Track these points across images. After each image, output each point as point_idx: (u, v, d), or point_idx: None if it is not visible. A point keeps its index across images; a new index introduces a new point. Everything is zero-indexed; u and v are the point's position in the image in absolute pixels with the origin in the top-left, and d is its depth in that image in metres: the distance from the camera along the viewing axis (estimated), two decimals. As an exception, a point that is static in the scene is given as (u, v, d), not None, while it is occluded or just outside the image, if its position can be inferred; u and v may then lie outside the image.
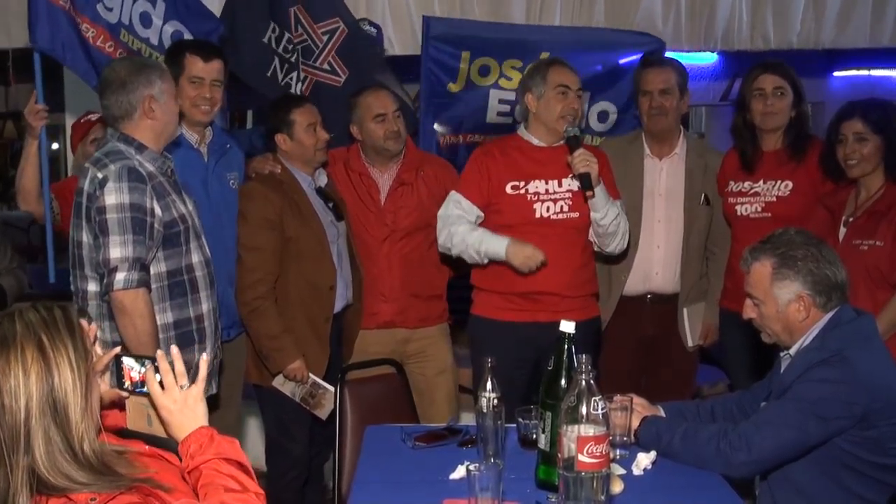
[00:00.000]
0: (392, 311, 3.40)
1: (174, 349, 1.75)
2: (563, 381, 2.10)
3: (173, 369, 1.72)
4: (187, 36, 3.61)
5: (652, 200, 3.49)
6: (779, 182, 3.30)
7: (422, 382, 3.44)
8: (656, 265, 3.50)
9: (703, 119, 9.19)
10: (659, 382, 3.52)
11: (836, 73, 7.81)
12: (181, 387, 1.71)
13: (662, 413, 2.47)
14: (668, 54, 4.03)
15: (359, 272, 3.38)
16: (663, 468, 2.24)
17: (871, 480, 2.20)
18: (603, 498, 1.81)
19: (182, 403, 1.70)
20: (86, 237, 2.65)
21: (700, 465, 2.22)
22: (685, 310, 3.53)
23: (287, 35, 3.84)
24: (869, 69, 7.69)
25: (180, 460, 1.70)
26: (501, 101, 3.94)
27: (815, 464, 2.19)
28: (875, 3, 4.48)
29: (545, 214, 3.16)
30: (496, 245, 3.11)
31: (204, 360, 1.77)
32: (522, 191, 3.17)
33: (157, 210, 2.63)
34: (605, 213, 3.13)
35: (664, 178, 3.52)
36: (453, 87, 3.93)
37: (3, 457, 1.51)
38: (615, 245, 3.24)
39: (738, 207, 3.35)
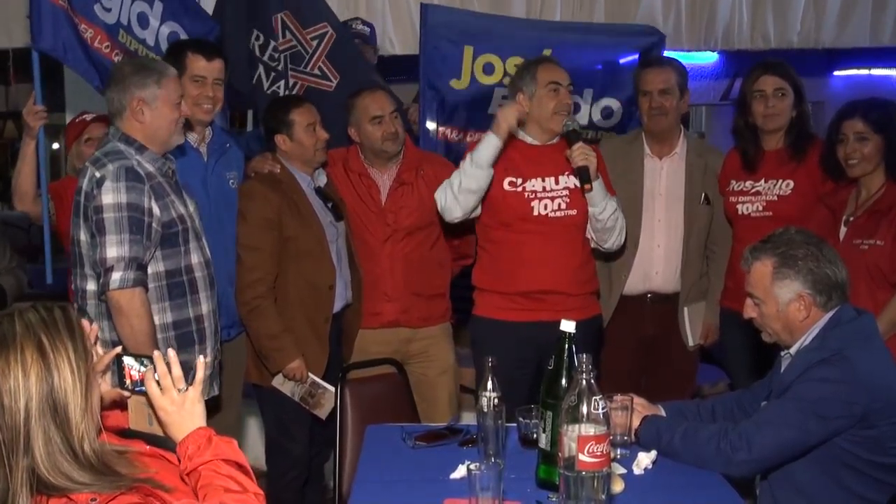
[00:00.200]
0: (396, 311, 3.40)
1: (171, 353, 1.75)
2: (563, 381, 2.10)
3: (170, 371, 1.72)
4: (183, 37, 3.61)
5: (652, 200, 3.49)
6: (780, 181, 3.30)
7: (424, 382, 3.44)
8: (656, 265, 3.50)
9: (704, 118, 9.19)
10: (659, 382, 3.52)
11: (836, 73, 7.80)
12: (179, 390, 1.71)
13: (663, 412, 2.47)
14: (668, 54, 4.03)
15: (358, 272, 3.38)
16: (664, 467, 2.24)
17: (872, 480, 2.20)
18: (603, 497, 1.81)
19: (180, 405, 1.70)
20: (84, 236, 2.65)
21: (700, 465, 2.22)
22: (685, 309, 3.53)
23: (273, 43, 3.82)
24: (869, 68, 7.69)
25: (179, 461, 1.71)
26: (506, 98, 3.92)
27: (816, 463, 2.20)
28: (875, 3, 4.48)
29: (543, 212, 3.16)
30: (480, 143, 3.09)
31: (201, 362, 1.77)
32: (520, 188, 3.17)
33: (156, 210, 2.63)
34: (604, 207, 3.13)
35: (664, 177, 3.51)
36: (457, 84, 3.92)
37: (2, 457, 1.51)
38: (613, 241, 3.24)
39: (739, 206, 3.35)
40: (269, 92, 3.87)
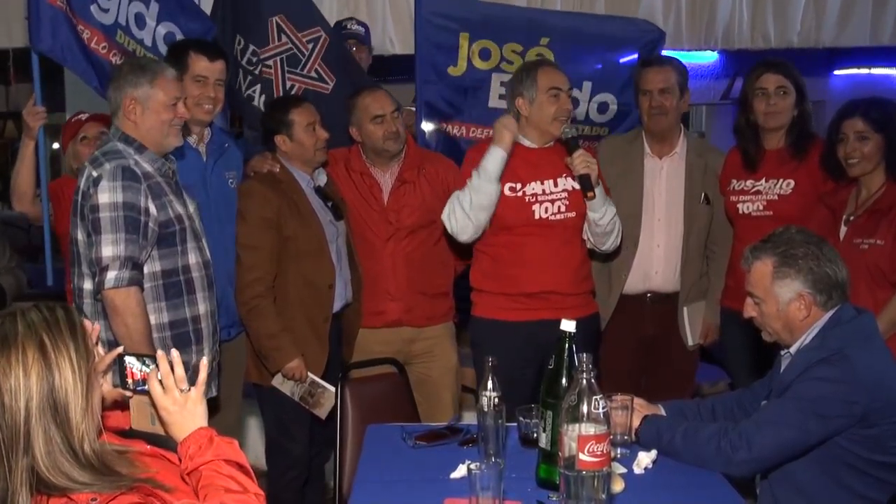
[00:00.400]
0: (399, 310, 3.40)
1: (174, 353, 1.75)
2: (563, 380, 2.11)
3: (173, 371, 1.72)
4: (180, 37, 3.61)
5: (652, 199, 3.49)
6: (781, 181, 3.30)
7: (427, 382, 3.43)
8: (656, 264, 3.50)
9: (704, 118, 9.18)
10: (659, 382, 3.52)
11: (836, 72, 7.79)
12: (181, 390, 1.71)
13: (663, 412, 2.47)
14: (668, 53, 4.03)
15: (358, 271, 3.38)
16: (664, 467, 2.24)
17: (872, 479, 2.20)
18: (604, 497, 1.81)
19: (182, 405, 1.71)
20: (81, 235, 2.66)
21: (701, 464, 2.22)
22: (685, 309, 3.53)
23: (252, 47, 3.81)
24: (869, 68, 7.68)
25: (180, 461, 1.71)
26: (504, 84, 3.86)
27: (816, 462, 2.19)
28: (875, 2, 4.49)
29: (544, 215, 3.16)
30: (484, 157, 3.09)
31: (204, 363, 1.77)
32: (520, 193, 3.17)
33: (152, 209, 2.63)
34: (604, 212, 3.14)
35: (664, 177, 3.51)
36: (454, 71, 3.90)
37: (2, 456, 1.51)
38: (610, 243, 3.24)
39: (739, 206, 3.35)
40: (245, 96, 3.87)
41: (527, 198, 3.17)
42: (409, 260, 3.39)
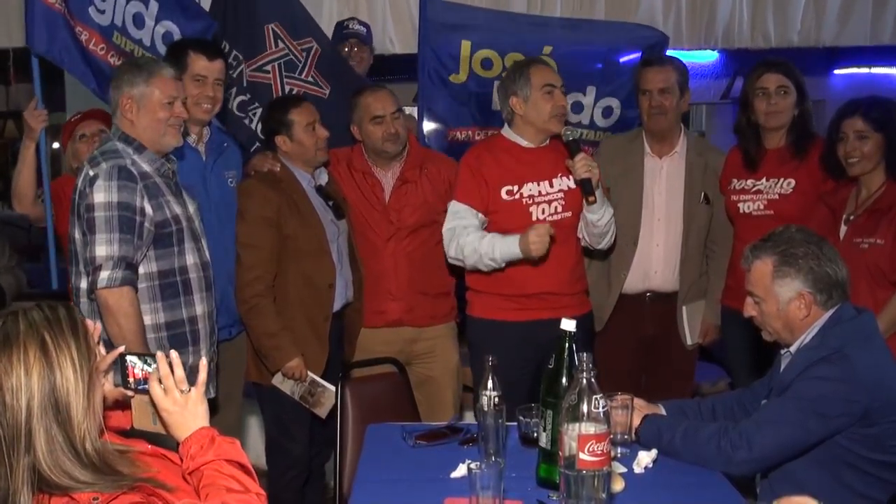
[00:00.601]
0: (400, 310, 3.40)
1: (173, 354, 1.76)
2: (564, 380, 2.11)
3: (173, 373, 1.72)
4: (178, 37, 3.61)
5: (652, 199, 3.50)
6: (781, 180, 3.30)
7: (429, 382, 3.44)
8: (655, 263, 3.50)
9: (704, 117, 9.18)
10: (658, 381, 3.52)
11: (836, 71, 7.79)
12: (181, 391, 1.71)
13: (663, 411, 2.47)
14: (668, 52, 4.03)
15: (359, 271, 3.37)
16: (664, 466, 2.24)
17: (872, 478, 2.20)
18: (604, 496, 1.81)
19: (182, 405, 1.71)
20: (77, 234, 2.66)
21: (701, 464, 2.22)
22: (684, 308, 3.53)
23: (234, 52, 3.80)
24: (869, 67, 7.67)
25: (181, 461, 1.71)
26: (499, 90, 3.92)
27: (816, 461, 2.20)
28: (875, 2, 4.49)
29: (541, 217, 3.16)
30: (509, 245, 3.05)
31: (204, 363, 1.77)
32: (517, 195, 3.16)
33: (148, 209, 2.63)
34: (602, 214, 3.14)
35: (664, 176, 3.52)
36: (455, 78, 3.92)
37: (3, 455, 1.51)
38: (606, 242, 3.25)
39: (740, 205, 3.36)
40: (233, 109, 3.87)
41: (524, 200, 3.17)
42: (411, 259, 3.39)
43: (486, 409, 2.24)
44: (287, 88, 3.85)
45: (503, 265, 3.11)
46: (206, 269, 2.83)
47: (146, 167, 2.67)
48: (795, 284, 2.25)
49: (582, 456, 1.79)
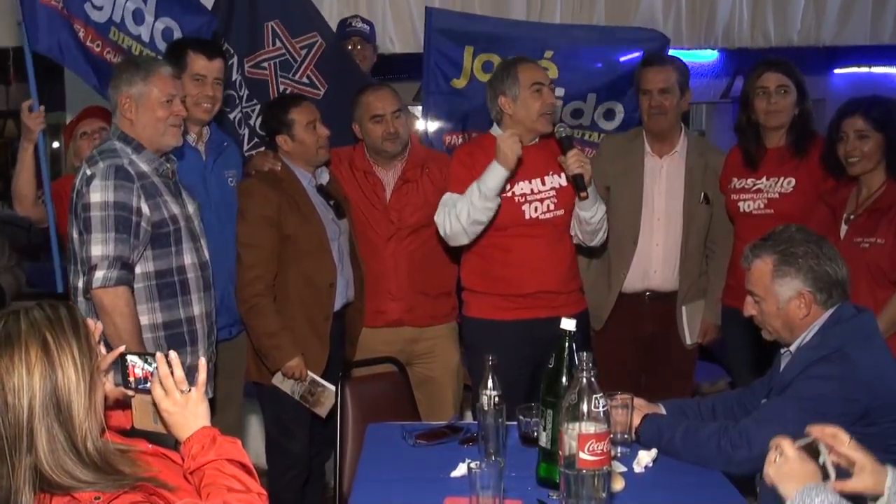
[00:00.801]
0: (400, 310, 3.39)
1: (172, 354, 1.76)
2: (563, 379, 2.11)
3: (172, 373, 1.72)
4: (178, 33, 3.60)
5: (652, 198, 3.50)
6: (781, 179, 3.30)
7: (429, 382, 3.43)
8: (655, 263, 3.50)
9: (704, 116, 9.19)
10: (658, 381, 3.52)
11: (836, 71, 7.79)
12: (181, 391, 1.71)
13: (663, 411, 2.47)
14: (668, 52, 4.03)
15: (360, 270, 3.37)
16: (664, 466, 2.24)
17: (872, 478, 2.19)
18: (604, 495, 1.81)
19: (183, 405, 1.71)
20: (75, 233, 2.66)
21: (701, 463, 2.23)
22: (683, 308, 3.53)
23: (230, 50, 3.80)
24: (870, 66, 7.68)
25: (183, 460, 1.71)
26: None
27: (816, 461, 2.19)
28: (875, 1, 4.48)
29: (534, 215, 3.16)
30: (486, 172, 3.02)
31: (203, 363, 1.78)
32: (509, 194, 3.15)
33: (145, 209, 2.63)
34: (595, 211, 3.14)
35: (664, 176, 3.52)
36: (457, 83, 3.93)
37: (5, 455, 1.51)
38: (598, 239, 3.25)
39: (740, 204, 3.36)
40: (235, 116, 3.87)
41: (516, 198, 3.16)
42: (411, 259, 3.39)
43: (485, 408, 2.24)
44: (281, 88, 3.85)
45: (493, 201, 3.04)
46: (205, 270, 2.82)
47: (144, 167, 2.67)
48: (795, 283, 2.25)
49: (582, 455, 1.79)
